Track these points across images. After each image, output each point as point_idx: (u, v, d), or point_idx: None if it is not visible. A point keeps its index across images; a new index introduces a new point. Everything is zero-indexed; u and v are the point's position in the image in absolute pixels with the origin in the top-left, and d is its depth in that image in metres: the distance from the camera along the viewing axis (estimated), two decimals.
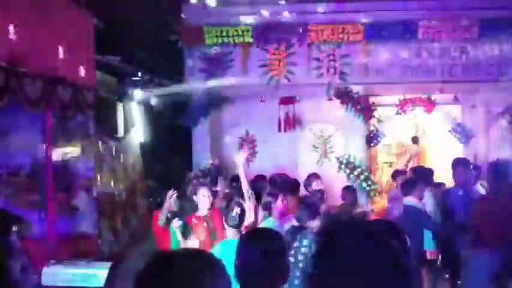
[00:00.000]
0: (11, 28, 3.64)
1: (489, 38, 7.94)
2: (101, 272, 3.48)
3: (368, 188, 8.27)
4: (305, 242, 3.89)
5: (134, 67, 8.03)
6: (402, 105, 8.77)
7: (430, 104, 8.71)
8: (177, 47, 8.32)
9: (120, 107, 8.07)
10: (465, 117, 8.83)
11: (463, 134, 8.64)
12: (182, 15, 8.19)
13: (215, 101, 8.64)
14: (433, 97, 8.66)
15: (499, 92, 8.41)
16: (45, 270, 3.57)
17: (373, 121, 8.87)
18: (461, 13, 8.03)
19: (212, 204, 4.71)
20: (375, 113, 8.70)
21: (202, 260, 1.34)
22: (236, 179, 5.86)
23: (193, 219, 4.61)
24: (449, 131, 8.77)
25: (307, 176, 6.12)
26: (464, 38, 8.05)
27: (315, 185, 5.91)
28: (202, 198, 4.62)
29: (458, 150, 8.91)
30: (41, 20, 4.13)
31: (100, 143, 7.22)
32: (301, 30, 8.17)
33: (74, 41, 4.85)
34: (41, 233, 4.91)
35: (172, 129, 8.85)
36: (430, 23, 8.04)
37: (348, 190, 6.42)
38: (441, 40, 8.06)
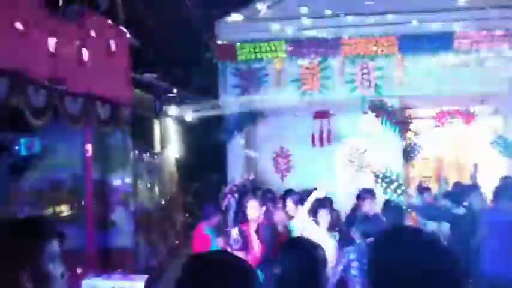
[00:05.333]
0: (52, 47, 3.81)
1: None
2: (137, 284, 3.54)
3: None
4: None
5: (170, 84, 8.20)
6: (440, 118, 8.58)
7: (469, 116, 8.49)
8: (211, 64, 8.46)
9: (156, 124, 8.24)
10: (507, 129, 8.54)
11: (505, 146, 8.34)
12: (216, 32, 8.34)
13: (249, 117, 8.70)
14: (472, 109, 8.43)
15: None
16: (85, 282, 3.67)
17: (409, 134, 8.70)
18: (498, 22, 7.84)
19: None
20: (412, 126, 8.54)
21: (236, 265, 1.36)
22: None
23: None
24: (491, 143, 8.50)
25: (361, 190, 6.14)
26: (502, 47, 7.83)
27: (368, 203, 5.87)
28: (251, 210, 4.73)
29: (501, 164, 8.62)
30: (80, 39, 4.30)
31: (137, 158, 7.38)
32: (334, 44, 8.16)
33: (112, 59, 5.01)
34: (80, 246, 5.03)
35: (208, 145, 8.96)
36: (466, 34, 7.87)
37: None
38: (478, 50, 7.87)
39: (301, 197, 5.91)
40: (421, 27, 7.91)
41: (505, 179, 6.37)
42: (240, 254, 3.98)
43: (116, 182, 6.33)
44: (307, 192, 6.54)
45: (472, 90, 8.00)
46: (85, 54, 4.23)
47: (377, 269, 1.24)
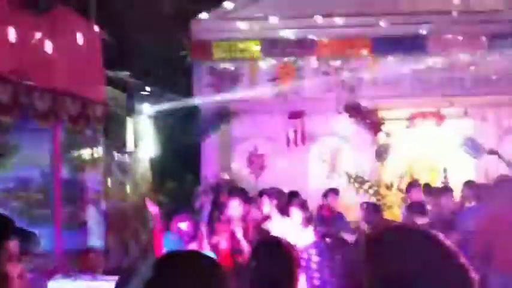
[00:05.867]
0: (19, 42, 3.70)
1: (498, 50, 7.89)
2: (106, 285, 3.47)
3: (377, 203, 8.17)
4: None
5: (143, 82, 8.10)
6: (411, 119, 8.72)
7: (439, 118, 8.65)
8: (186, 62, 8.39)
9: (129, 122, 8.12)
10: (476, 131, 8.73)
11: (474, 148, 8.53)
12: (191, 31, 8.28)
13: (224, 116, 8.67)
14: (443, 111, 8.59)
15: (510, 106, 8.34)
16: (51, 284, 3.57)
17: (382, 135, 8.81)
18: (470, 26, 8.01)
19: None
20: (384, 127, 8.65)
21: (205, 264, 1.34)
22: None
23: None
24: (460, 145, 8.68)
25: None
26: (473, 51, 8.01)
27: (332, 200, 6.00)
28: (233, 209, 4.73)
29: (470, 165, 8.81)
30: (49, 34, 4.19)
31: (109, 157, 7.26)
32: (309, 44, 8.21)
33: (83, 55, 4.91)
34: (47, 247, 4.91)
35: (182, 144, 8.88)
36: (438, 37, 8.02)
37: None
38: (450, 53, 8.03)
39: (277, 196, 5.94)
40: (394, 29, 8.02)
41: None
42: (192, 246, 3.99)
43: (87, 180, 6.21)
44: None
45: (442, 93, 8.17)
46: (51, 48, 4.12)
47: (379, 268, 1.20)
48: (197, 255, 1.42)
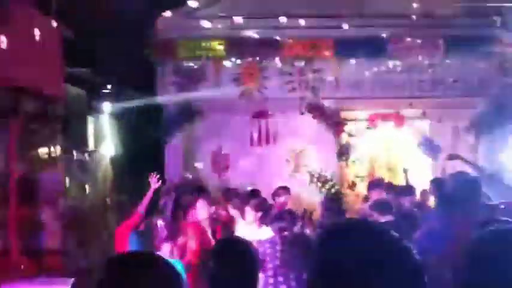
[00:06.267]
0: None
1: (455, 55, 8.17)
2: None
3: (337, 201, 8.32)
4: None
5: (105, 79, 7.94)
6: (372, 120, 8.92)
7: (399, 119, 8.89)
8: (149, 60, 8.28)
9: (90, 120, 7.94)
10: (433, 132, 9.02)
11: (431, 148, 8.81)
12: (155, 29, 8.18)
13: (188, 115, 8.61)
14: (402, 112, 8.83)
15: (465, 108, 8.65)
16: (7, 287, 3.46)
17: (344, 135, 8.97)
18: (429, 31, 8.26)
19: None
20: (346, 128, 8.81)
21: (158, 266, 1.34)
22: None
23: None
24: (418, 145, 8.94)
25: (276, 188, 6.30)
26: (431, 55, 8.27)
27: (283, 198, 6.08)
28: (200, 210, 4.70)
29: (428, 165, 9.10)
30: (4, 29, 4.05)
31: (68, 156, 7.08)
32: (273, 44, 8.26)
33: (41, 51, 4.77)
34: (3, 249, 4.75)
35: (145, 143, 8.75)
36: (398, 40, 8.23)
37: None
38: (409, 57, 8.26)
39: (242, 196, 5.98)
40: (356, 32, 8.18)
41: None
42: (167, 246, 3.94)
43: (44, 180, 6.03)
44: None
45: (402, 94, 8.39)
46: (5, 43, 3.98)
47: (324, 262, 1.20)
48: (150, 256, 1.41)
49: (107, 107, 8.15)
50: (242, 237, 2.77)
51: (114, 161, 8.88)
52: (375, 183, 7.21)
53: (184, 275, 3.51)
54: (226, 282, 2.33)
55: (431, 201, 6.73)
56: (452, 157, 7.29)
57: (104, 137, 8.51)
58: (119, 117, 8.48)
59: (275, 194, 6.41)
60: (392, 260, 1.14)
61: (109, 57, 7.43)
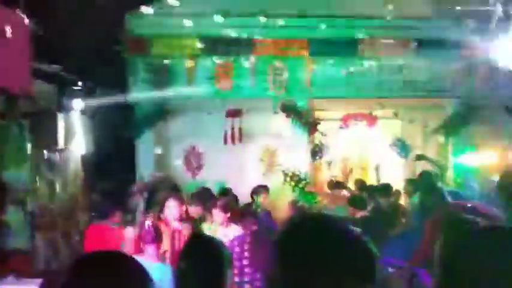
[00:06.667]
0: None
1: (426, 56, 8.33)
2: None
3: (312, 201, 8.39)
4: None
5: (76, 76, 7.77)
6: (345, 120, 9.02)
7: (371, 119, 9.02)
8: (122, 57, 8.15)
9: (60, 118, 7.76)
10: (404, 132, 9.19)
11: (402, 148, 8.98)
12: (128, 26, 8.06)
13: (160, 113, 8.52)
14: (374, 112, 8.97)
15: (436, 109, 8.85)
16: None
17: (317, 135, 9.05)
18: (401, 32, 8.39)
19: None
20: (319, 128, 8.89)
21: (124, 265, 1.32)
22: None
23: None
24: (390, 145, 9.10)
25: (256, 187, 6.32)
26: (402, 55, 8.41)
27: (263, 196, 6.10)
28: (171, 209, 4.63)
29: (399, 164, 9.27)
30: None
31: (38, 155, 6.90)
32: (247, 43, 8.25)
33: (9, 46, 4.63)
34: None
35: (116, 141, 8.61)
36: (370, 41, 8.34)
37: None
38: (381, 57, 8.38)
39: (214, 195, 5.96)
40: (330, 32, 8.24)
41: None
42: (151, 248, 3.89)
43: (11, 180, 5.86)
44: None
45: (374, 95, 8.51)
46: None
47: (281, 254, 1.24)
48: (116, 255, 1.39)
49: (77, 104, 7.99)
50: (212, 236, 2.75)
51: (85, 159, 8.71)
52: (336, 185, 7.33)
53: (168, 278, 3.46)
54: (194, 281, 2.31)
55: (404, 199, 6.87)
56: (418, 158, 7.50)
57: (75, 135, 8.34)
58: (90, 114, 8.32)
59: (254, 192, 6.41)
60: (346, 251, 1.19)
61: (79, 53, 7.29)
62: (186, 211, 5.19)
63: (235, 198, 6.42)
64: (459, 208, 4.02)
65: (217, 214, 4.98)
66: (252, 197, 6.44)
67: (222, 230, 4.94)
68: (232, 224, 5.06)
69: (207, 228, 5.10)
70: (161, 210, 4.81)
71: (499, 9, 6.96)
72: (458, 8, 7.82)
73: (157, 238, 3.93)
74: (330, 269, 1.16)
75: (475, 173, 8.06)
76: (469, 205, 4.17)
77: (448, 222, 2.86)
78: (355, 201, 5.71)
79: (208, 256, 2.37)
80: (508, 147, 8.22)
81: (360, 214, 5.46)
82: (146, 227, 3.93)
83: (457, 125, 8.63)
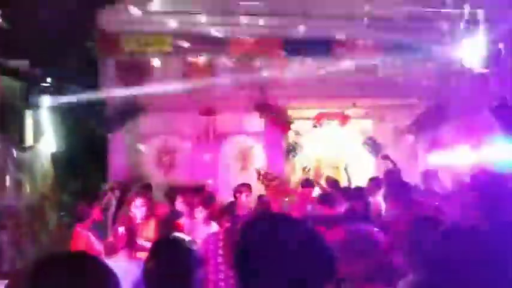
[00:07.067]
0: None
1: (397, 57, 8.46)
2: None
3: (285, 199, 8.41)
4: None
5: (45, 72, 7.60)
6: (318, 119, 9.09)
7: (344, 119, 9.12)
8: (93, 54, 8.01)
9: (28, 115, 7.58)
10: (375, 131, 9.33)
11: (374, 147, 9.11)
12: (99, 22, 7.92)
13: (132, 111, 8.41)
14: (347, 112, 9.06)
15: (406, 109, 9.00)
16: None
17: (291, 134, 9.09)
18: (373, 33, 8.50)
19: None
20: (293, 126, 8.93)
21: (88, 266, 1.30)
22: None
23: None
24: (362, 144, 9.22)
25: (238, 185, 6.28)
26: (374, 56, 8.52)
27: (246, 195, 6.06)
28: (138, 209, 4.55)
29: (370, 163, 9.40)
30: None
31: (5, 153, 6.73)
32: (222, 42, 8.22)
33: None
34: None
35: (87, 139, 8.47)
36: (342, 41, 8.42)
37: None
38: (353, 58, 8.47)
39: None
40: (304, 31, 8.29)
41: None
42: (124, 253, 3.80)
43: None
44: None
45: (346, 94, 8.60)
46: None
47: (244, 249, 1.27)
48: (79, 256, 1.37)
49: (46, 101, 7.81)
50: (180, 236, 2.73)
51: (54, 157, 8.54)
52: (307, 183, 7.37)
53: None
54: (162, 281, 2.29)
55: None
56: (384, 157, 7.65)
57: (44, 133, 8.16)
58: (60, 111, 8.15)
59: (237, 191, 6.36)
60: (304, 248, 1.22)
61: (48, 49, 7.13)
62: (156, 209, 5.13)
63: (212, 196, 6.37)
64: (425, 207, 4.11)
65: (199, 211, 4.94)
66: (234, 195, 6.40)
67: (202, 227, 4.91)
68: (213, 222, 5.05)
69: (185, 227, 5.05)
70: (128, 210, 4.74)
71: (466, 12, 7.13)
72: (429, 10, 7.97)
73: (131, 243, 3.84)
74: (286, 267, 1.18)
75: (444, 171, 8.24)
76: (435, 204, 4.27)
77: (415, 222, 2.91)
78: (324, 199, 5.58)
79: (176, 256, 2.35)
80: (476, 146, 8.42)
81: (331, 211, 5.38)
82: (120, 233, 3.84)
83: (426, 123, 8.80)
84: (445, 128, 8.60)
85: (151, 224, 4.69)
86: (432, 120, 8.77)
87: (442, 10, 7.84)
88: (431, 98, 8.70)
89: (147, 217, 4.60)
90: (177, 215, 5.37)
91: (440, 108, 8.69)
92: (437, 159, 8.34)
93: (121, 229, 3.90)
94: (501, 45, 7.59)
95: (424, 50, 8.36)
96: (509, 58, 7.54)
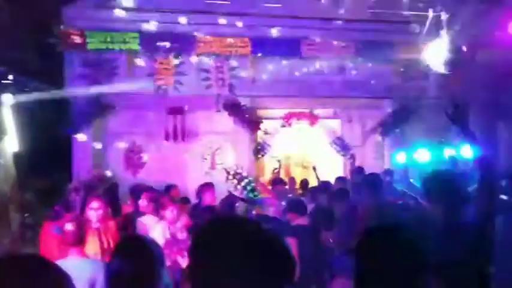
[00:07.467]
0: None
1: (365, 58, 8.60)
2: None
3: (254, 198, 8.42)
4: None
5: (7, 69, 7.36)
6: (287, 119, 9.14)
7: (312, 118, 9.19)
8: (57, 51, 7.82)
9: None
10: (344, 131, 9.45)
11: (342, 146, 9.22)
12: (64, 18, 7.73)
13: (99, 109, 8.25)
14: (316, 111, 9.14)
15: (373, 109, 9.14)
16: None
17: (260, 133, 9.11)
18: (341, 34, 8.60)
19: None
20: (262, 126, 8.95)
21: (39, 269, 1.27)
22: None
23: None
24: (330, 144, 9.32)
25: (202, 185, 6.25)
26: (342, 56, 8.62)
27: (209, 194, 6.04)
28: (90, 212, 4.42)
29: (339, 162, 9.51)
30: None
31: None
32: (190, 40, 8.16)
33: None
34: None
35: (52, 138, 8.25)
36: (311, 41, 8.49)
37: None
38: (321, 58, 8.55)
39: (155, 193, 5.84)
40: (272, 31, 8.31)
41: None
42: (75, 250, 3.70)
43: None
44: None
45: (315, 94, 8.68)
46: None
47: (198, 252, 1.28)
48: (33, 258, 1.33)
49: (8, 98, 7.57)
50: (144, 235, 2.70)
51: (17, 157, 8.29)
52: (277, 181, 7.41)
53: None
54: (125, 281, 2.27)
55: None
56: (351, 157, 7.79)
57: (6, 131, 7.91)
58: (23, 110, 7.92)
59: (200, 191, 6.30)
60: (257, 249, 1.22)
61: (10, 45, 6.92)
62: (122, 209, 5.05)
63: (177, 195, 6.34)
64: (390, 205, 4.19)
65: (170, 211, 4.89)
66: (197, 195, 6.37)
67: (173, 227, 4.86)
68: (178, 221, 4.99)
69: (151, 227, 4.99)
70: (84, 212, 4.61)
71: (430, 14, 7.30)
72: (395, 12, 8.12)
73: (80, 240, 3.72)
74: (241, 269, 1.17)
75: (410, 170, 8.42)
76: (400, 202, 4.35)
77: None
78: (294, 206, 5.20)
79: (139, 255, 2.33)
80: (442, 145, 8.63)
81: (298, 221, 5.02)
82: (67, 230, 3.71)
83: (393, 124, 8.97)
84: (411, 128, 8.78)
85: (112, 225, 4.58)
86: (399, 120, 8.95)
87: (409, 13, 8.00)
88: (398, 99, 8.87)
89: (104, 219, 4.48)
90: (139, 214, 5.31)
91: (407, 109, 8.88)
92: (403, 158, 8.51)
93: (69, 226, 3.75)
94: (464, 48, 7.82)
95: (391, 52, 8.53)
96: (471, 61, 7.77)
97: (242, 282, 1.16)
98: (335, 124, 9.57)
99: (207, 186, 6.14)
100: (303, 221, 4.95)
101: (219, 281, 1.17)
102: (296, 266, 1.30)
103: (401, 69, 8.82)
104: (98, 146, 8.26)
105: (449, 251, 2.40)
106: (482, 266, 2.51)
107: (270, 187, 7.33)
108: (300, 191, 8.39)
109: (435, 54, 7.40)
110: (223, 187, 8.38)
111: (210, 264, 1.19)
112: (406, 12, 8.06)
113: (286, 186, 7.60)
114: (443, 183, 2.81)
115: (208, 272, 1.19)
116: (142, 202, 5.35)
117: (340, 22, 8.38)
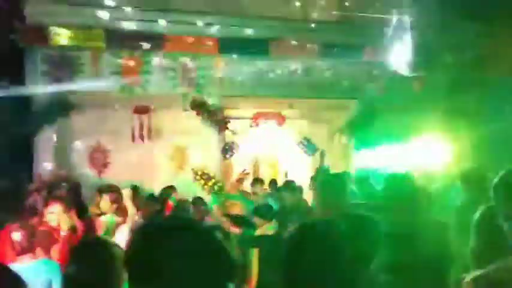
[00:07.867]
0: None
1: (330, 59, 8.68)
2: None
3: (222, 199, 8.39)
4: None
5: None
6: (255, 119, 9.15)
7: (280, 119, 9.23)
8: (18, 46, 7.57)
9: None
10: (310, 132, 9.53)
11: (309, 147, 9.31)
12: (25, 13, 7.49)
13: (62, 108, 8.04)
14: (283, 112, 9.19)
15: (340, 110, 9.25)
16: None
17: (227, 133, 9.08)
18: (308, 35, 8.66)
19: None
20: (230, 126, 8.92)
21: None
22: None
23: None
24: (297, 144, 9.39)
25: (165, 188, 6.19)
26: (310, 57, 8.69)
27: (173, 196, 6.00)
28: (49, 216, 4.27)
29: (306, 163, 9.59)
30: None
31: None
32: (156, 39, 8.05)
33: None
34: None
35: (12, 137, 7.99)
36: (279, 42, 8.52)
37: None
38: (288, 59, 8.58)
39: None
40: (240, 31, 8.29)
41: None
42: (26, 258, 3.56)
43: None
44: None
45: (283, 95, 8.71)
46: None
47: (135, 253, 1.27)
48: None
49: None
50: (103, 238, 2.64)
51: None
52: (257, 181, 7.44)
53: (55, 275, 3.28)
54: (82, 285, 2.22)
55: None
56: (321, 154, 7.90)
57: None
58: None
59: (162, 194, 6.25)
60: (200, 251, 1.22)
61: None
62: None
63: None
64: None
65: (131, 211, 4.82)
66: (160, 199, 6.31)
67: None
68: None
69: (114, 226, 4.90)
70: (42, 215, 4.46)
71: (395, 17, 7.44)
72: (360, 14, 8.24)
73: (29, 249, 3.58)
74: (181, 270, 1.16)
75: (376, 171, 8.55)
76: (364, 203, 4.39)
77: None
78: (261, 211, 5.17)
79: (97, 259, 2.28)
80: (408, 146, 8.81)
81: (265, 226, 5.04)
82: (16, 237, 3.56)
83: (358, 124, 9.10)
84: (376, 129, 8.92)
85: (80, 226, 4.48)
86: (364, 121, 9.07)
87: (373, 15, 8.13)
88: (363, 100, 9.01)
89: (67, 224, 4.36)
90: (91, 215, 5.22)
91: (372, 110, 9.01)
92: (368, 158, 8.64)
93: (16, 235, 3.58)
94: (427, 51, 7.99)
95: (358, 53, 8.64)
96: (435, 63, 7.96)
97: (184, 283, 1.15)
98: (302, 125, 9.64)
99: (170, 189, 6.10)
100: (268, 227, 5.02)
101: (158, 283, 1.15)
102: (236, 269, 1.32)
103: (367, 70, 8.96)
104: (62, 145, 8.06)
105: (405, 252, 2.44)
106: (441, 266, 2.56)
107: (239, 187, 7.32)
108: (268, 191, 8.41)
109: (399, 55, 7.54)
110: (191, 187, 8.34)
111: (146, 267, 1.18)
112: (371, 15, 8.18)
113: (265, 187, 7.65)
114: (401, 185, 2.85)
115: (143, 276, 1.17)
116: (105, 202, 5.25)
117: (308, 23, 8.44)
